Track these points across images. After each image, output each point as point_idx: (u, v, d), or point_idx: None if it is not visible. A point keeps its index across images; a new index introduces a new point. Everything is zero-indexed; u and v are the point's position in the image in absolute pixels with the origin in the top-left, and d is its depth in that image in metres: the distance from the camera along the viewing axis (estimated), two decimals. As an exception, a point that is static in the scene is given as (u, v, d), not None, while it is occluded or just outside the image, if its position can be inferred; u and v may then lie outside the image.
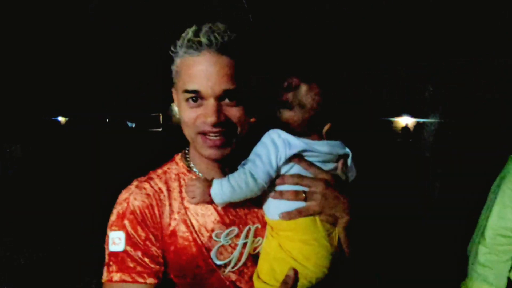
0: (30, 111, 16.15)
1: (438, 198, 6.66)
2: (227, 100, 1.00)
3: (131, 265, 0.97)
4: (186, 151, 1.17)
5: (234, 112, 1.01)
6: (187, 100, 1.01)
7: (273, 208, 1.06)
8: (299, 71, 1.09)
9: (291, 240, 1.02)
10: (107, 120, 17.47)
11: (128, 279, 0.96)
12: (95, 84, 15.91)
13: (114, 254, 1.00)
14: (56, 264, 4.67)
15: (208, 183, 1.03)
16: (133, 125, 19.71)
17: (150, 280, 0.97)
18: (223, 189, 1.00)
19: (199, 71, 0.96)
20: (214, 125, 0.98)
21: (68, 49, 11.07)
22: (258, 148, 1.05)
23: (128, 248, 0.98)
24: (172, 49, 1.04)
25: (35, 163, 11.51)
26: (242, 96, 1.02)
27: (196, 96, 0.99)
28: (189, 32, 1.00)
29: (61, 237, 5.53)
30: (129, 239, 0.99)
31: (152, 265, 0.98)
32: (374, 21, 6.93)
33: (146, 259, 0.98)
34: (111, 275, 0.98)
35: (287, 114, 1.06)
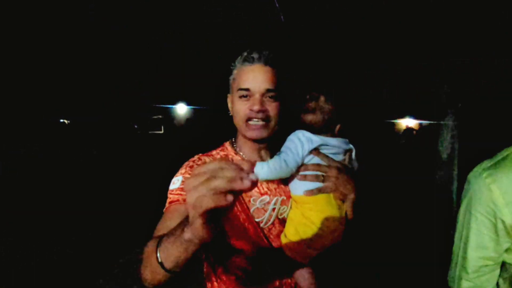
0: (35, 112, 16.19)
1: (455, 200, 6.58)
2: (268, 97, 1.38)
3: (183, 194, 1.27)
4: (233, 140, 1.55)
5: (272, 106, 1.39)
6: (240, 97, 1.39)
7: (299, 187, 1.39)
8: (319, 85, 1.52)
9: (311, 210, 1.35)
10: (110, 122, 17.48)
11: (180, 200, 1.26)
12: (98, 87, 15.94)
13: (171, 191, 1.31)
14: (63, 264, 4.63)
15: (253, 164, 1.23)
16: (135, 127, 19.72)
17: None
18: (264, 169, 1.31)
19: (251, 76, 1.37)
20: (258, 112, 1.35)
21: (70, 52, 11.09)
22: (288, 143, 1.42)
23: (180, 187, 1.31)
24: (232, 64, 1.45)
25: (40, 164, 11.50)
26: (279, 95, 1.40)
27: (247, 93, 1.37)
28: (245, 53, 1.42)
29: (68, 238, 5.50)
30: (185, 179, 1.31)
31: None
32: (375, 21, 6.94)
33: None
34: (167, 203, 1.30)
35: (310, 117, 1.44)
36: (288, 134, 1.50)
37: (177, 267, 0.94)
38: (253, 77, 1.38)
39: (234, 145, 1.55)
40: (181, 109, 19.51)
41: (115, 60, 12.30)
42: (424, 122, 12.91)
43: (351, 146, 1.52)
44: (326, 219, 1.34)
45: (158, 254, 0.96)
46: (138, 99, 17.38)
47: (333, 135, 1.47)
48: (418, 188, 7.20)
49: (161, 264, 0.96)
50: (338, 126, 1.48)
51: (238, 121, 1.44)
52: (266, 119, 1.39)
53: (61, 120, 19.16)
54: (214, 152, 1.53)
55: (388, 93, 11.17)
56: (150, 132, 19.27)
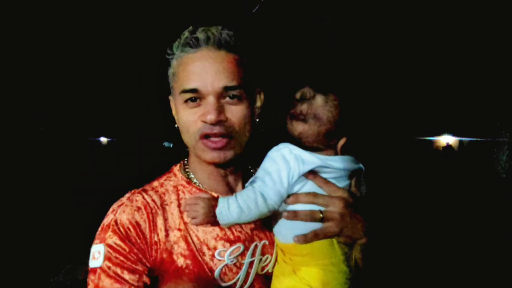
0: (75, 131, 16.96)
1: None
2: (228, 99, 0.94)
3: (108, 282, 0.88)
4: (185, 162, 1.11)
5: (236, 111, 0.95)
6: (185, 101, 0.95)
7: (286, 230, 0.97)
8: (316, 79, 1.02)
9: (307, 265, 0.94)
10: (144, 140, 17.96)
11: None
12: (136, 106, 16.48)
13: (92, 270, 0.92)
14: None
15: (213, 201, 0.94)
16: (171, 145, 20.09)
17: None
18: (230, 209, 0.91)
19: (197, 68, 0.91)
20: (215, 123, 0.91)
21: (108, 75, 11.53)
22: (267, 165, 0.97)
23: (106, 264, 0.90)
24: (169, 51, 0.98)
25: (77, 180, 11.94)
26: (245, 94, 0.96)
27: (195, 96, 0.93)
28: (186, 32, 0.97)
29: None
30: (108, 254, 0.91)
31: (133, 283, 0.89)
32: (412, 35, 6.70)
33: (126, 276, 0.89)
34: None
35: (300, 127, 0.97)
36: (264, 148, 1.04)
37: None
38: (202, 71, 0.91)
39: (187, 170, 1.08)
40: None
41: (147, 76, 12.67)
42: (466, 139, 12.17)
43: (360, 165, 1.04)
44: (329, 279, 0.93)
45: None
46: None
47: (335, 152, 1.00)
48: (470, 218, 6.11)
49: None
50: (342, 141, 0.99)
51: (189, 138, 1.00)
52: (229, 133, 0.95)
53: (100, 139, 19.98)
54: (155, 183, 1.05)
55: (424, 107, 10.66)
56: (186, 149, 19.50)
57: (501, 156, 6.30)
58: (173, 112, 1.05)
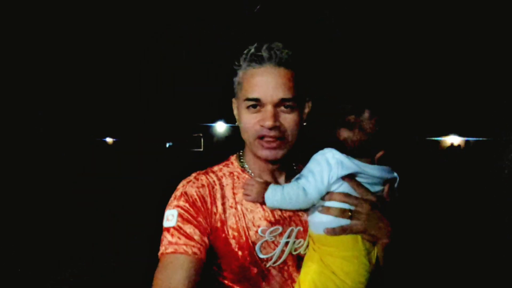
0: (81, 131, 17.08)
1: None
2: (283, 108, 1.12)
3: (181, 238, 1.07)
4: (241, 153, 1.28)
5: (288, 119, 1.13)
6: (248, 107, 1.13)
7: (318, 222, 1.11)
8: (367, 96, 1.19)
9: (332, 255, 1.08)
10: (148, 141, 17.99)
11: (179, 250, 1.05)
12: (139, 107, 16.54)
13: (167, 229, 1.10)
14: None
15: (265, 186, 1.13)
16: (171, 144, 20.17)
17: (198, 253, 1.06)
18: (276, 196, 1.09)
19: (260, 81, 1.11)
20: (270, 128, 1.10)
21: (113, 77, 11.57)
22: (312, 165, 1.13)
23: (179, 224, 1.09)
24: (236, 63, 1.18)
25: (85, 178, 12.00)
26: (297, 104, 1.14)
27: (256, 104, 1.12)
28: (252, 48, 1.14)
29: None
30: (180, 216, 1.10)
31: (199, 240, 1.07)
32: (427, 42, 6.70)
33: (195, 235, 1.07)
34: (163, 247, 1.08)
35: (346, 134, 1.14)
36: (308, 150, 1.23)
37: None
38: (264, 84, 1.11)
39: (242, 160, 1.27)
40: (220, 127, 19.73)
41: (155, 78, 12.69)
42: (472, 139, 12.05)
43: (395, 174, 1.19)
44: (350, 269, 1.07)
45: None
46: (179, 117, 17.82)
47: (372, 161, 1.15)
48: (472, 218, 6.14)
49: None
50: (380, 153, 1.15)
51: (247, 137, 1.17)
52: (282, 136, 1.13)
53: (105, 139, 20.08)
54: (216, 168, 1.25)
55: (432, 108, 10.59)
56: (191, 150, 19.60)
57: (506, 156, 6.23)
58: (235, 112, 1.24)
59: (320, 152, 1.15)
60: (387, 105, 1.16)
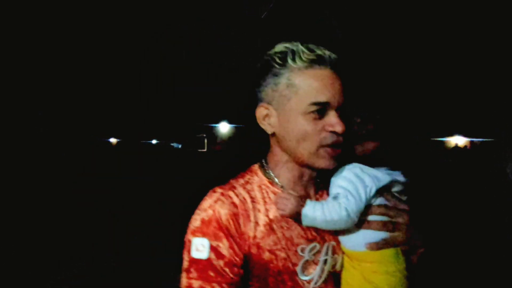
0: (86, 132, 17.15)
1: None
2: (339, 113, 1.05)
3: (212, 274, 0.98)
4: (264, 163, 1.16)
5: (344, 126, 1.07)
6: (310, 112, 1.02)
7: (358, 238, 1.06)
8: (383, 106, 1.15)
9: (376, 272, 1.04)
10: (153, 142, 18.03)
11: (208, 287, 0.97)
12: (145, 108, 16.59)
13: (196, 261, 1.00)
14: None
15: (301, 201, 1.06)
16: (179, 146, 20.20)
17: None
18: (316, 214, 1.03)
19: (328, 83, 1.02)
20: (340, 134, 1.03)
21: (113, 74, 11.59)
22: (345, 183, 1.06)
23: (211, 256, 0.99)
24: (279, 61, 1.05)
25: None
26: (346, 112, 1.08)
27: (322, 108, 1.02)
28: (304, 48, 1.04)
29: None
30: (212, 248, 1.00)
31: (232, 275, 1.00)
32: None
33: (226, 269, 0.99)
34: (191, 281, 0.99)
35: (370, 145, 1.10)
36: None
37: None
38: (331, 86, 1.02)
39: (267, 170, 1.15)
40: (224, 128, 19.73)
41: (157, 78, 12.70)
42: (477, 140, 11.94)
43: (406, 178, 1.16)
44: (397, 284, 1.03)
45: None
46: (183, 117, 17.86)
47: (395, 167, 1.13)
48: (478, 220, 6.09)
49: None
50: (395, 156, 1.15)
51: (306, 146, 1.05)
52: (341, 143, 1.06)
53: (108, 139, 20.13)
54: (241, 181, 1.13)
55: (437, 108, 10.52)
56: (194, 150, 19.62)
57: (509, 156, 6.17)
58: (261, 120, 1.11)
59: (346, 169, 1.09)
60: (400, 109, 1.12)
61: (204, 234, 1.01)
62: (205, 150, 19.98)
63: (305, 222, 1.03)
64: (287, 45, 1.06)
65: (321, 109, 1.01)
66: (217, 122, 19.50)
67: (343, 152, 1.10)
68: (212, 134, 19.90)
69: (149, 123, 18.36)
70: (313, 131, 1.02)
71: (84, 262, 5.09)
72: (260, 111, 1.10)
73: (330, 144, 1.03)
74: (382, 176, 1.07)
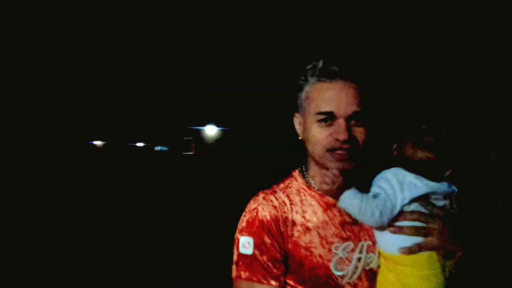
0: (71, 134, 16.85)
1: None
2: (353, 121, 1.15)
3: (257, 267, 1.14)
4: (303, 169, 1.29)
5: (359, 132, 1.16)
6: (319, 121, 1.16)
7: (392, 242, 1.13)
8: (443, 116, 1.25)
9: (410, 275, 1.10)
10: (138, 145, 17.86)
11: (254, 279, 1.13)
12: (132, 112, 16.41)
13: (243, 256, 1.16)
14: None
15: (343, 182, 1.15)
16: (163, 148, 20.07)
17: (273, 283, 1.13)
18: (354, 201, 1.12)
19: (332, 95, 1.15)
20: (344, 141, 1.13)
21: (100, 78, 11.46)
22: (385, 186, 1.14)
23: (256, 252, 1.14)
24: (302, 78, 1.22)
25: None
26: (366, 119, 1.17)
27: (328, 117, 1.15)
28: (320, 63, 1.17)
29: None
30: (256, 245, 1.15)
31: (275, 270, 1.14)
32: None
33: (269, 264, 1.14)
34: (240, 272, 1.14)
35: (423, 154, 1.15)
36: (370, 164, 1.26)
37: None
38: (337, 97, 1.15)
39: (305, 176, 1.28)
40: (211, 131, 19.70)
41: (146, 81, 12.62)
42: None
43: (454, 188, 1.20)
44: (429, 287, 1.09)
45: None
46: (171, 121, 17.73)
47: (439, 179, 1.17)
48: None
49: None
50: (449, 172, 1.18)
51: (317, 150, 1.18)
52: (353, 149, 1.15)
53: (93, 142, 19.80)
54: (282, 186, 1.28)
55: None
56: (182, 153, 19.52)
57: None
58: (296, 126, 1.26)
59: (390, 172, 1.17)
60: (460, 124, 1.22)
61: (249, 233, 1.16)
62: (193, 153, 19.93)
63: (341, 203, 1.12)
64: (315, 62, 1.20)
65: (327, 118, 1.14)
66: (204, 124, 19.52)
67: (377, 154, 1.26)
68: (199, 137, 19.90)
69: (136, 126, 18.20)
70: (320, 137, 1.15)
71: (84, 262, 5.02)
72: (295, 119, 1.27)
73: (336, 149, 1.14)
74: (421, 185, 1.12)
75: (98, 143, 20.59)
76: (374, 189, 1.14)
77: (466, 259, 1.12)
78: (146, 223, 7.66)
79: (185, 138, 19.84)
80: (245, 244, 1.15)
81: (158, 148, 20.17)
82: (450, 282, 1.10)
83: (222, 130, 19.46)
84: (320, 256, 1.13)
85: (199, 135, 20.11)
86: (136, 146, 18.91)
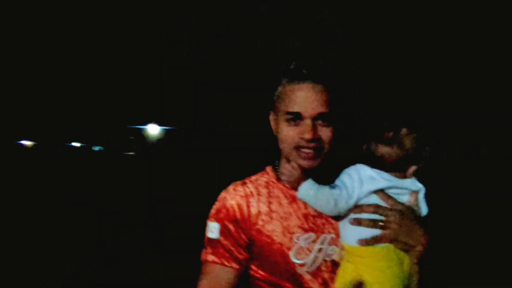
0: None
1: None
2: (320, 121, 1.20)
3: (222, 251, 1.23)
4: (276, 164, 1.35)
5: (325, 132, 1.22)
6: (287, 120, 1.23)
7: (351, 234, 1.16)
8: (406, 113, 1.28)
9: (367, 266, 1.14)
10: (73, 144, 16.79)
11: (218, 261, 1.23)
12: (66, 110, 15.35)
13: (210, 240, 1.25)
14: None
15: (303, 176, 1.22)
16: (101, 149, 19.09)
17: (235, 266, 1.22)
18: (310, 191, 1.19)
19: (300, 96, 1.22)
20: (309, 140, 1.19)
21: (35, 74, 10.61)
22: (346, 179, 1.19)
23: (221, 237, 1.24)
24: (280, 78, 1.28)
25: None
26: (333, 119, 1.22)
27: (295, 117, 1.21)
28: (292, 65, 1.24)
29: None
30: (222, 231, 1.25)
31: (238, 254, 1.22)
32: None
33: (233, 248, 1.23)
34: (207, 256, 1.23)
35: (383, 150, 1.19)
36: (338, 160, 1.26)
37: None
38: (304, 99, 1.20)
39: (277, 171, 1.33)
40: (153, 130, 19.08)
41: (83, 78, 11.88)
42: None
43: (419, 186, 1.23)
44: (384, 279, 1.12)
45: None
46: (110, 120, 16.90)
47: (403, 175, 1.21)
48: None
49: None
50: (413, 168, 1.20)
51: (285, 147, 1.24)
52: (319, 147, 1.19)
53: (22, 142, 18.20)
54: (253, 178, 1.34)
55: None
56: (123, 153, 18.66)
57: None
58: (272, 124, 1.33)
59: (353, 167, 1.21)
60: (424, 121, 1.23)
61: (216, 219, 1.25)
62: (133, 153, 19.11)
63: (299, 194, 1.17)
64: (288, 63, 1.26)
65: (294, 118, 1.19)
66: (145, 124, 18.82)
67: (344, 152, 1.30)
68: (141, 136, 19.12)
69: (70, 124, 17.08)
70: (288, 135, 1.21)
71: (77, 262, 4.87)
72: (270, 117, 1.33)
73: (302, 147, 1.20)
74: (380, 179, 1.17)
75: (27, 143, 18.97)
76: (335, 182, 1.19)
77: (428, 256, 1.13)
78: (135, 223, 7.29)
79: (126, 138, 19.01)
80: (212, 230, 1.26)
81: (96, 148, 19.12)
82: (411, 277, 1.13)
83: (164, 129, 18.96)
84: (281, 244, 1.20)
85: (141, 134, 19.40)
86: (71, 146, 17.73)
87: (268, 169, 1.35)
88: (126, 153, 18.81)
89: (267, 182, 1.32)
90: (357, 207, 1.15)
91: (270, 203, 1.27)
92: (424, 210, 1.21)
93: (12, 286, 4.13)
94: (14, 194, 9.98)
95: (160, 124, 18.82)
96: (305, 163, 1.19)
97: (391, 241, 1.12)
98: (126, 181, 12.79)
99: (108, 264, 4.81)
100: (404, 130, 1.19)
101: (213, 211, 1.28)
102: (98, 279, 4.39)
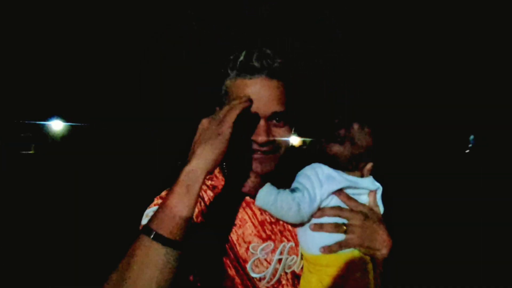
0: None
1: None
2: (274, 121, 1.06)
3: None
4: (224, 166, 1.18)
5: (280, 132, 1.07)
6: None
7: (313, 242, 1.06)
8: (354, 109, 1.18)
9: (331, 275, 1.02)
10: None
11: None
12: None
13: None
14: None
15: (261, 182, 1.07)
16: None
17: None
18: (269, 198, 1.02)
19: (252, 94, 1.01)
20: (263, 144, 1.04)
21: None
22: (304, 181, 1.08)
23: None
24: (222, 70, 1.09)
25: None
26: (289, 118, 1.09)
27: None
28: (241, 56, 1.05)
29: None
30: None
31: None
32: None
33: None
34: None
35: (336, 148, 1.10)
36: (295, 161, 1.16)
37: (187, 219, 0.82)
38: (256, 97, 1.01)
39: (225, 174, 1.17)
40: (57, 126, 17.37)
41: None
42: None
43: (377, 185, 1.14)
44: (351, 287, 1.01)
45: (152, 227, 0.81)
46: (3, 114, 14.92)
47: (360, 174, 1.13)
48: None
49: (157, 236, 0.80)
50: (369, 165, 1.12)
51: (236, 150, 1.03)
52: (274, 149, 1.07)
53: None
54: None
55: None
56: (20, 152, 16.48)
57: None
58: None
59: (309, 167, 1.12)
60: (376, 118, 1.14)
61: (156, 204, 1.06)
62: (31, 151, 17.07)
63: (258, 202, 1.03)
64: (237, 53, 1.07)
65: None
66: (47, 119, 17.02)
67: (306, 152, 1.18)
68: (42, 133, 17.20)
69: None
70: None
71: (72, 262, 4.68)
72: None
73: (255, 151, 1.05)
74: (339, 178, 1.07)
75: None
76: (293, 185, 1.09)
77: (392, 259, 1.06)
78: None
79: (22, 135, 16.94)
80: (148, 214, 1.03)
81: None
82: (375, 280, 1.05)
83: (71, 125, 17.47)
84: (236, 255, 1.03)
85: (41, 130, 17.49)
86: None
87: (216, 172, 1.16)
88: (24, 152, 16.75)
89: (215, 186, 1.13)
90: (318, 211, 1.05)
91: (219, 209, 1.08)
92: (381, 210, 1.14)
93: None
94: None
95: (66, 120, 17.33)
96: (258, 169, 1.04)
97: (355, 245, 1.03)
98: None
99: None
100: (356, 126, 1.10)
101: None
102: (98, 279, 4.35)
